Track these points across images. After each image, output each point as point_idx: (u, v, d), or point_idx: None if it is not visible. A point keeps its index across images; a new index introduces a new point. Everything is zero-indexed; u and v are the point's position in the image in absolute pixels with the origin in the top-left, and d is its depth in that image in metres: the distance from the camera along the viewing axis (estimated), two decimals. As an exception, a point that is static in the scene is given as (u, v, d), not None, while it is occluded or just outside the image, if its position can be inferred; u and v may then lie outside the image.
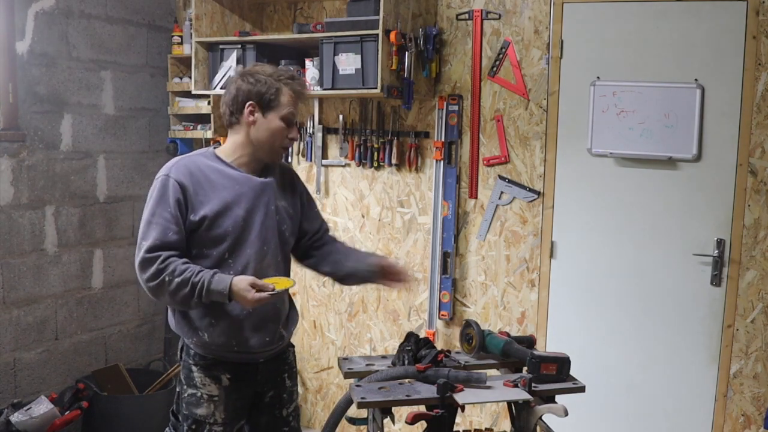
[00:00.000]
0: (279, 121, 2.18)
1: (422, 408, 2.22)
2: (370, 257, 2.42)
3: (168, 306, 2.26)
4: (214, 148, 2.28)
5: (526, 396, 2.16)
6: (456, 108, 3.46)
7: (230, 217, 2.16)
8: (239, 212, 2.17)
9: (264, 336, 2.24)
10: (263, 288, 2.05)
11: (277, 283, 2.12)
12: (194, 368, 2.24)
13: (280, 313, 2.30)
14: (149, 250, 2.08)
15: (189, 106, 3.91)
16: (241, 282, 2.05)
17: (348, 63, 3.25)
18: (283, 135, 2.20)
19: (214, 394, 2.23)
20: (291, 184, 2.38)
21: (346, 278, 2.42)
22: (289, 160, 3.81)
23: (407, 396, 2.15)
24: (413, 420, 2.12)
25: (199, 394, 2.23)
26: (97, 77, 3.75)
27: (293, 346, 2.47)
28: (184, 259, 2.10)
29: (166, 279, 2.05)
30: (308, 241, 2.44)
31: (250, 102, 2.17)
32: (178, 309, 2.20)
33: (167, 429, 2.34)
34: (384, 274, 2.35)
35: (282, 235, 2.29)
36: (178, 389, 2.31)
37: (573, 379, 2.32)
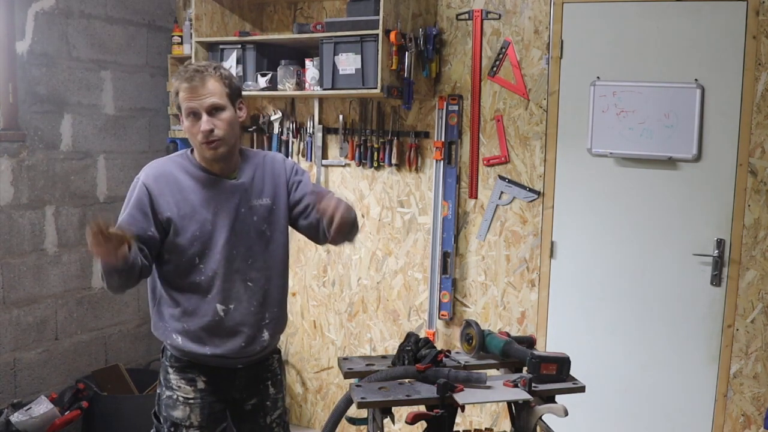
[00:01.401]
0: (185, 119, 2.12)
1: (422, 408, 2.22)
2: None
3: (114, 291, 2.14)
4: (191, 150, 2.23)
5: (526, 396, 2.16)
6: (456, 108, 3.46)
7: (196, 221, 2.13)
8: (207, 216, 2.14)
9: (239, 341, 2.19)
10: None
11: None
12: (170, 370, 2.23)
13: (259, 318, 2.23)
14: None
15: (189, 106, 3.91)
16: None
17: (348, 63, 3.25)
18: (194, 131, 2.09)
19: (189, 397, 2.20)
20: (272, 175, 2.26)
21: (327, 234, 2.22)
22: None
23: (407, 396, 2.15)
24: (413, 420, 2.12)
25: (174, 396, 2.21)
26: (97, 77, 3.75)
27: (279, 353, 2.42)
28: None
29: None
30: (308, 219, 2.28)
31: (178, 108, 2.17)
32: (114, 292, 2.12)
33: (151, 431, 2.33)
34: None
35: (263, 236, 2.21)
36: (158, 391, 2.28)
37: (573, 379, 2.32)
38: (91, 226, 1.85)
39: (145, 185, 2.14)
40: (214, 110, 2.09)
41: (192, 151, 2.23)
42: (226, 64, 3.52)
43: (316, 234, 2.28)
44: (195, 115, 2.09)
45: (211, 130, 2.07)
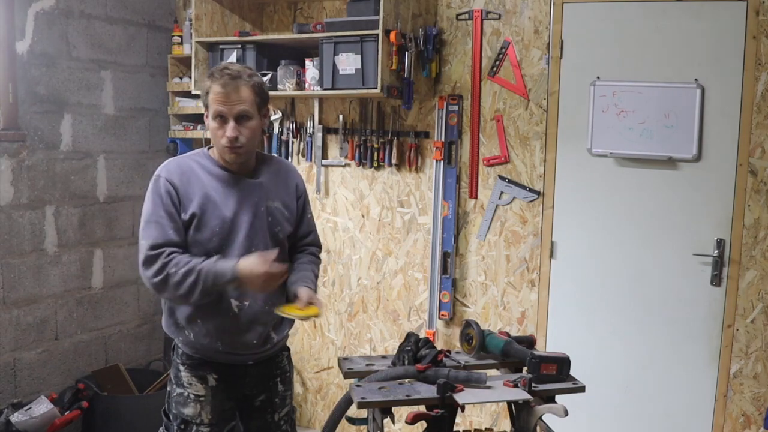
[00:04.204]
0: (211, 120, 2.14)
1: (422, 408, 2.22)
2: (299, 284, 2.25)
3: (172, 301, 2.20)
4: (209, 148, 2.26)
5: (526, 396, 2.15)
6: (456, 108, 3.46)
7: (217, 216, 2.15)
8: (226, 213, 2.16)
9: (251, 338, 2.21)
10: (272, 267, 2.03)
11: (300, 310, 2.14)
12: (182, 367, 2.24)
13: (270, 315, 2.25)
14: (151, 248, 2.08)
15: (189, 106, 3.91)
16: (250, 256, 2.05)
17: (348, 63, 3.25)
18: (219, 134, 2.11)
19: (201, 394, 2.22)
20: (285, 183, 2.32)
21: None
22: (289, 159, 3.82)
23: (407, 396, 2.15)
24: (413, 420, 2.12)
25: (186, 393, 2.22)
26: (97, 77, 3.75)
27: (288, 350, 2.44)
28: (188, 254, 2.11)
29: (171, 271, 2.04)
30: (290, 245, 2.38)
31: (204, 106, 2.18)
32: (181, 303, 2.16)
33: (161, 429, 2.34)
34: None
35: (275, 237, 2.25)
36: (168, 388, 2.30)
37: (573, 379, 2.32)
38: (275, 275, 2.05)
39: (169, 181, 2.14)
40: (241, 118, 2.11)
41: (209, 148, 2.26)
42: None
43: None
44: (222, 118, 2.11)
45: (236, 138, 2.11)
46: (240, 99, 2.10)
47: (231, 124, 2.10)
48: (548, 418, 2.23)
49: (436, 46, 3.38)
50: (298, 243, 2.41)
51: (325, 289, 3.87)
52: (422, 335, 2.54)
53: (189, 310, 2.18)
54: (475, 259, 3.54)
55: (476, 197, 3.50)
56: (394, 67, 3.19)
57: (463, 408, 2.16)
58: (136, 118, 3.99)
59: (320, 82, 3.37)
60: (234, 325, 2.19)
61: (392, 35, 3.13)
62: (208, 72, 2.19)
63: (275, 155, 2.53)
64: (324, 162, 3.79)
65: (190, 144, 4.00)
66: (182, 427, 2.22)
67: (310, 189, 3.75)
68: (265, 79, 3.44)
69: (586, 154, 3.27)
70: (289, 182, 2.34)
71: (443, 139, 3.49)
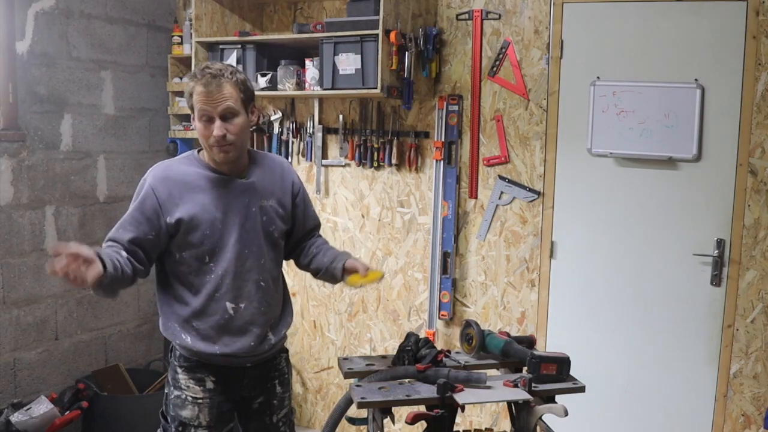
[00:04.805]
0: (198, 121, 2.12)
1: (422, 408, 2.22)
2: (339, 260, 2.33)
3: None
4: (198, 151, 2.25)
5: (526, 396, 2.15)
6: (456, 108, 3.46)
7: (206, 220, 2.13)
8: (217, 215, 2.15)
9: (249, 340, 2.20)
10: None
11: (364, 278, 2.24)
12: (179, 370, 2.23)
13: (267, 316, 2.25)
14: (105, 241, 2.09)
15: (189, 106, 3.91)
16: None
17: (348, 63, 3.25)
18: (206, 134, 2.10)
19: (198, 397, 2.21)
20: (280, 180, 2.31)
21: (318, 273, 2.39)
22: (289, 159, 3.82)
23: (407, 396, 2.15)
24: (413, 420, 2.12)
25: (183, 396, 2.21)
26: (97, 77, 3.75)
27: (286, 352, 2.44)
28: (116, 248, 2.05)
29: None
30: (297, 238, 2.41)
31: (190, 108, 2.17)
32: (110, 297, 2.10)
33: (158, 431, 2.33)
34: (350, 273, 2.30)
35: (270, 237, 2.24)
36: (166, 390, 2.29)
37: (573, 379, 2.31)
38: (58, 251, 1.80)
39: (152, 188, 2.13)
40: (227, 115, 2.10)
41: (199, 151, 2.24)
42: (226, 64, 3.52)
43: (298, 254, 2.44)
44: (208, 118, 2.10)
45: (224, 136, 2.09)
46: (223, 96, 2.08)
47: (217, 122, 2.08)
48: (548, 418, 2.23)
49: (436, 46, 3.38)
50: (309, 234, 2.42)
51: (325, 289, 3.87)
52: (422, 335, 2.54)
53: (186, 313, 2.18)
54: (475, 259, 3.54)
55: (476, 197, 3.50)
56: (394, 67, 3.19)
57: (463, 408, 2.16)
58: (136, 118, 3.99)
59: (320, 82, 3.37)
60: (230, 328, 2.18)
61: (392, 35, 3.13)
62: (190, 74, 2.17)
63: (268, 152, 2.51)
64: (324, 162, 3.79)
65: (190, 144, 4.00)
66: (180, 429, 2.21)
67: (310, 189, 3.75)
68: (265, 79, 3.47)
69: (586, 154, 3.27)
70: (284, 179, 2.32)
71: (443, 139, 3.49)
